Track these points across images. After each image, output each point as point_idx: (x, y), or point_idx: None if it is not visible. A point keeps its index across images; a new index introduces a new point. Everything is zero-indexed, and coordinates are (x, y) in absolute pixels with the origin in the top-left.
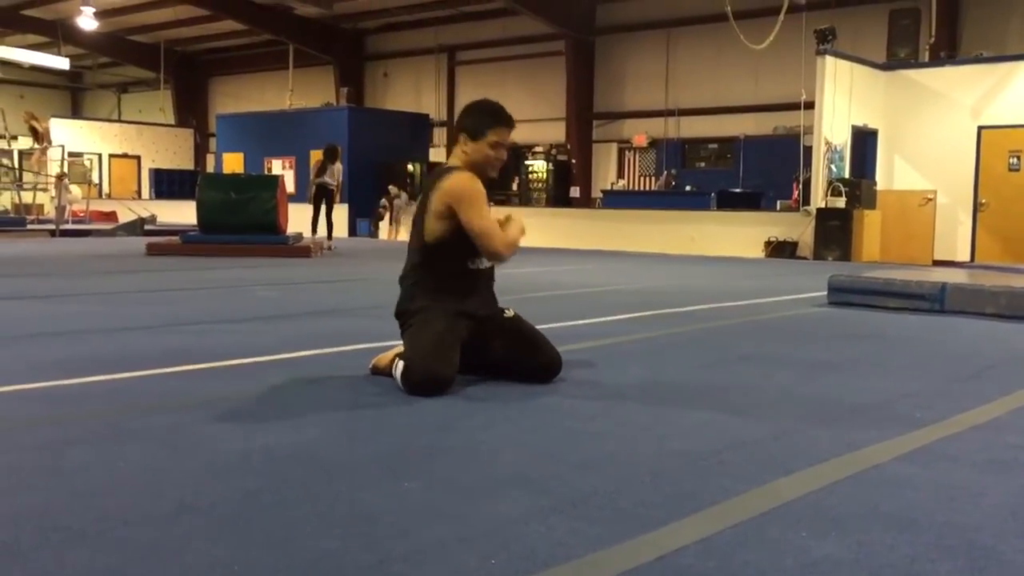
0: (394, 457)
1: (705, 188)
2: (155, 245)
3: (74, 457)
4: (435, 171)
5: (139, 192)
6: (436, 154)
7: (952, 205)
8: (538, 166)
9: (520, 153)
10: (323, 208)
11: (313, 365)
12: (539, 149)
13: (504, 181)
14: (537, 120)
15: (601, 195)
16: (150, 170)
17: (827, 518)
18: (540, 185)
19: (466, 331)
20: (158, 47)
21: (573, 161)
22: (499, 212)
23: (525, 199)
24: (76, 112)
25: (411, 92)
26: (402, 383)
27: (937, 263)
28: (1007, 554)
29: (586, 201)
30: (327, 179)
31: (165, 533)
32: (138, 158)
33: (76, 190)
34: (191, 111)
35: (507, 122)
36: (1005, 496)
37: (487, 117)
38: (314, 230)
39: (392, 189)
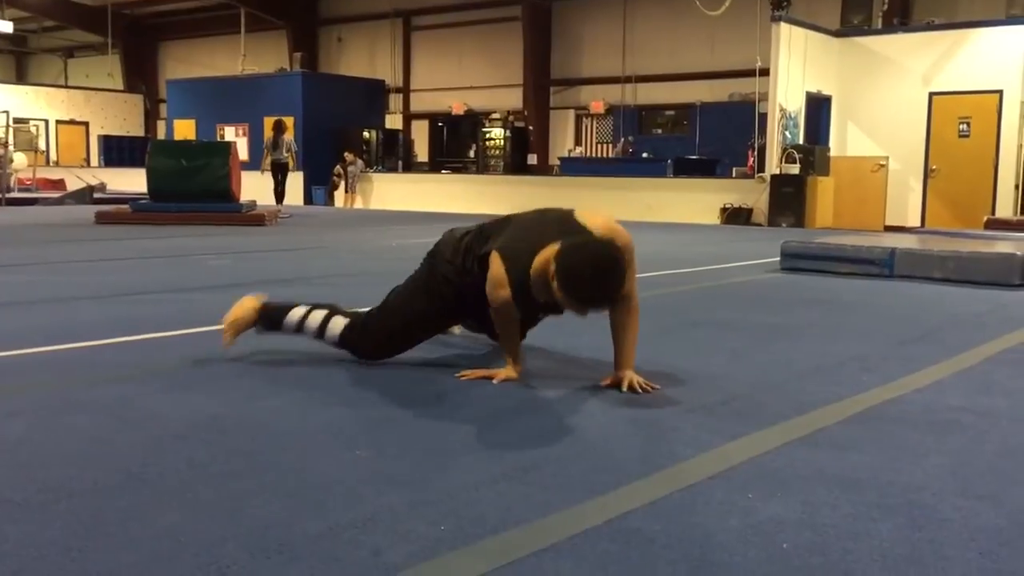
0: (346, 426)
1: (662, 155)
2: (104, 214)
3: (18, 428)
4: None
5: (88, 159)
6: (392, 120)
7: (903, 171)
8: (495, 133)
9: (477, 120)
10: (280, 179)
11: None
12: (496, 116)
13: (461, 148)
14: (494, 87)
15: (559, 162)
16: (99, 137)
17: (773, 480)
18: (497, 152)
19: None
20: (105, 10)
21: (530, 128)
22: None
23: (482, 166)
24: (21, 77)
25: (366, 58)
26: (342, 337)
27: (889, 228)
28: (946, 512)
29: (544, 168)
30: (281, 154)
31: (110, 504)
32: (86, 124)
33: (21, 157)
34: (140, 76)
35: (586, 308)
36: (946, 456)
37: (579, 293)
38: (278, 201)
39: (348, 156)
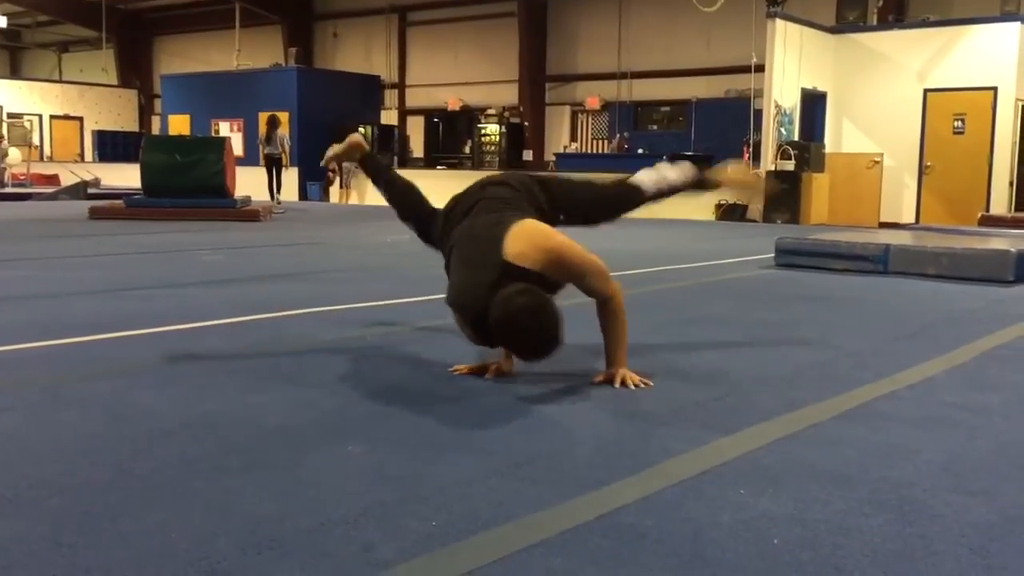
0: (338, 422)
1: (657, 151)
2: (98, 209)
3: (9, 424)
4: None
5: (82, 155)
6: (387, 116)
7: (898, 168)
8: (491, 129)
9: (473, 116)
10: (274, 173)
11: (257, 330)
12: (492, 112)
13: (456, 144)
14: (490, 82)
15: (554, 158)
16: (93, 132)
17: (765, 476)
18: (493, 148)
19: None
20: (99, 5)
21: (526, 124)
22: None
23: (478, 162)
24: (15, 72)
25: (361, 53)
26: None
27: (883, 225)
28: (937, 508)
29: (539, 164)
30: (273, 149)
31: (101, 500)
32: (80, 119)
33: (15, 152)
34: (135, 71)
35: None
36: (938, 452)
37: (517, 354)
38: (271, 195)
39: None
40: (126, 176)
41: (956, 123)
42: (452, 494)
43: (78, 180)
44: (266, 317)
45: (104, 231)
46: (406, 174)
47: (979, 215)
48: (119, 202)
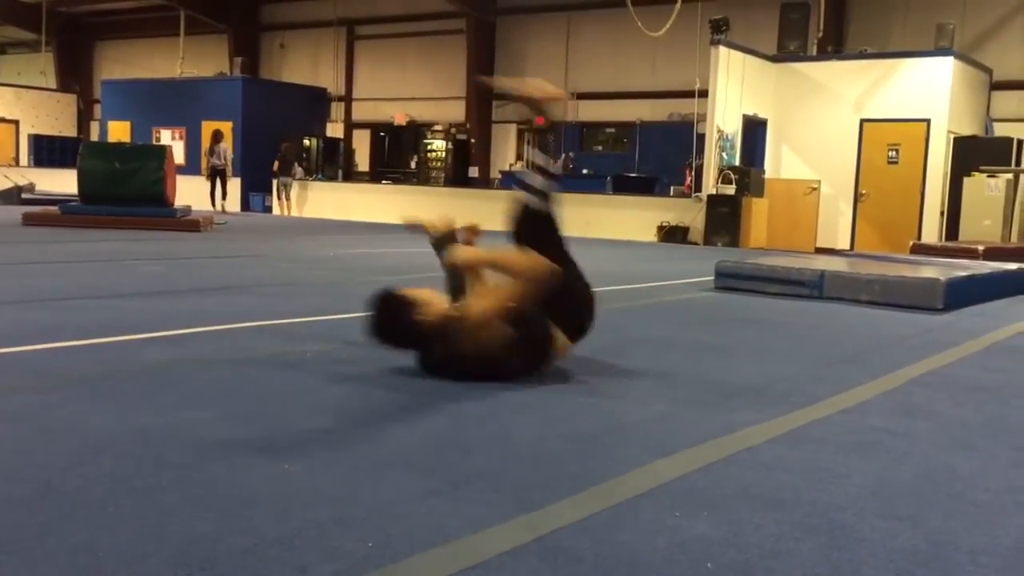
0: (275, 439)
1: (602, 172)
2: (32, 215)
3: None
4: None
5: (17, 159)
6: (333, 129)
7: (835, 195)
8: (437, 145)
9: (419, 131)
10: (218, 184)
11: (194, 344)
12: (438, 128)
13: (402, 159)
14: (437, 99)
15: (500, 176)
16: (29, 136)
17: (700, 499)
18: (439, 164)
19: None
20: (39, 7)
21: (472, 140)
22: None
23: (423, 178)
24: None
25: (308, 65)
26: None
27: (820, 251)
28: (865, 532)
29: (485, 181)
30: (216, 160)
31: (27, 518)
32: (16, 123)
33: None
34: (75, 76)
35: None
36: (867, 477)
37: None
38: (212, 203)
39: (284, 146)
40: (62, 182)
41: (891, 153)
42: (389, 514)
43: (11, 184)
44: (204, 330)
45: (37, 238)
46: (351, 187)
47: (911, 243)
48: (54, 208)
